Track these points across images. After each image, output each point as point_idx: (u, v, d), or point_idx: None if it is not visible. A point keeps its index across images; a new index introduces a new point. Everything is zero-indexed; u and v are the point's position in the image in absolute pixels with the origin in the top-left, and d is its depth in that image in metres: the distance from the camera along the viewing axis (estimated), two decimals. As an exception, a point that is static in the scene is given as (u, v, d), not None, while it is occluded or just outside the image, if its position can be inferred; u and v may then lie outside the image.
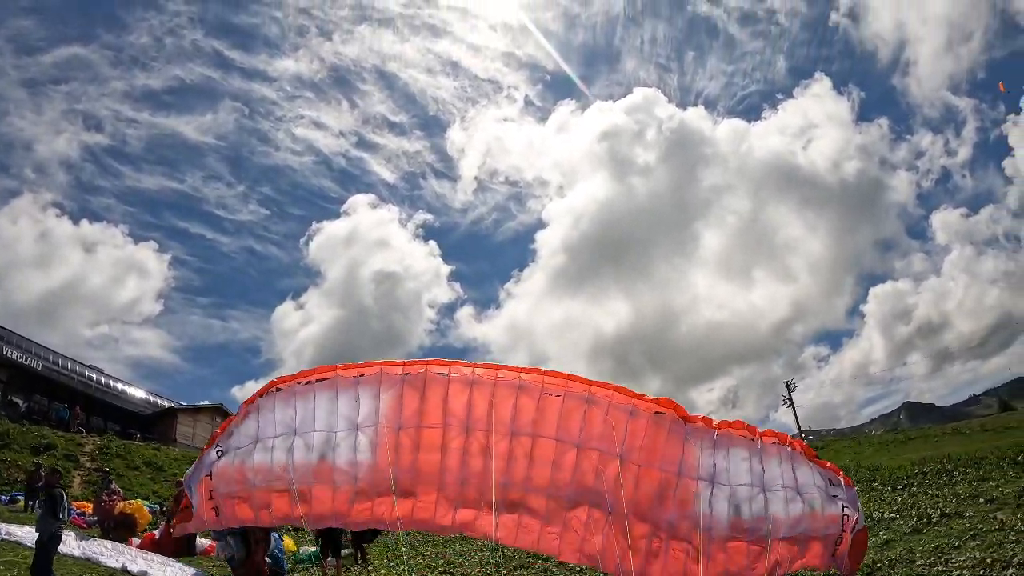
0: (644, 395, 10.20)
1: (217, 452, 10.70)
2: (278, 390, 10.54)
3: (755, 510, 10.33)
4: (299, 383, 10.49)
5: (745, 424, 10.46)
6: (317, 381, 10.46)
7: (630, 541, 10.26)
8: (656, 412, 10.06)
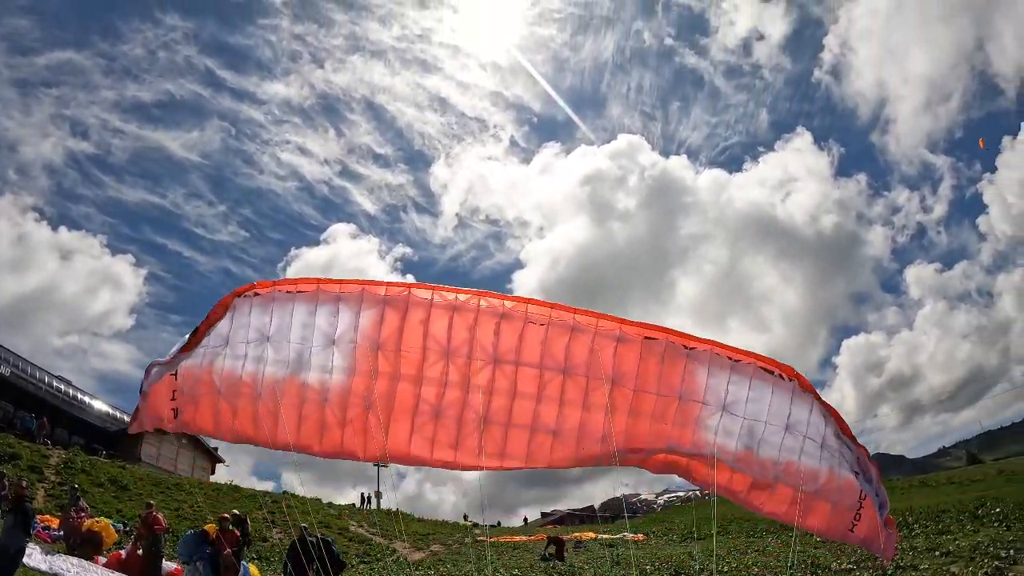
0: (634, 321, 9.84)
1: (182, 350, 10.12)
2: (256, 294, 10.06)
3: (769, 450, 9.87)
4: (279, 290, 10.03)
5: (776, 362, 9.93)
6: (298, 292, 10.02)
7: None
8: (647, 337, 9.70)
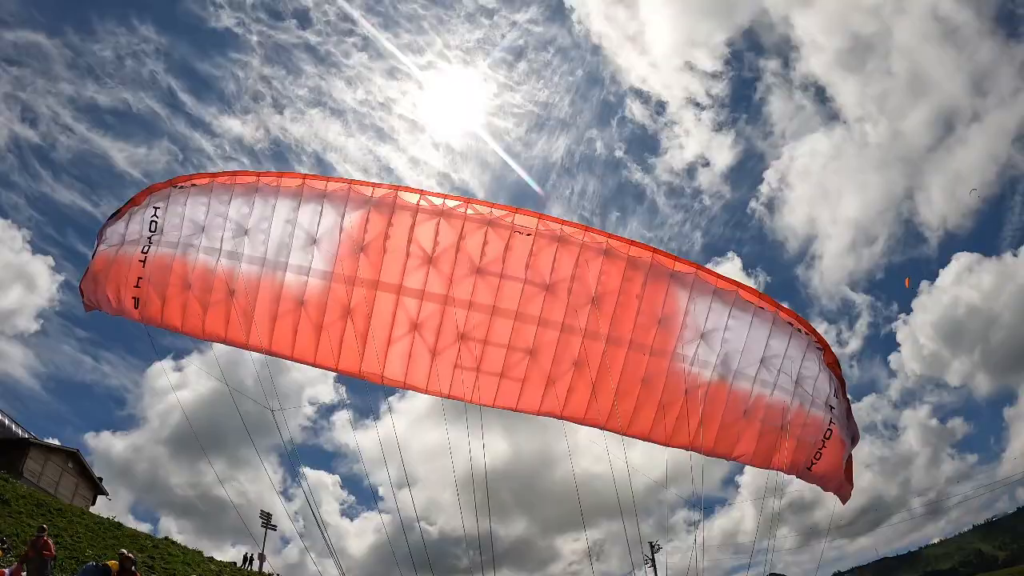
0: (621, 236, 9.76)
1: (153, 223, 9.78)
2: (234, 182, 9.78)
3: (743, 382, 9.81)
4: (262, 181, 9.76)
5: (761, 294, 9.89)
6: (282, 185, 9.77)
7: (596, 393, 9.63)
8: (631, 256, 9.60)
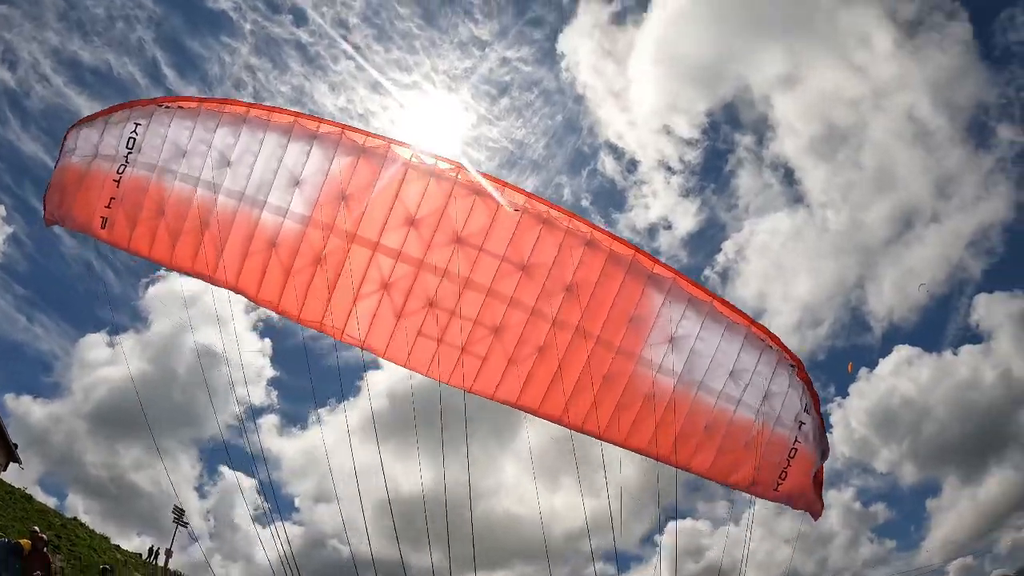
0: (606, 230, 9.64)
1: (131, 140, 9.44)
2: (223, 110, 9.43)
3: (707, 395, 9.70)
4: (252, 113, 9.41)
5: (736, 308, 9.71)
6: (272, 120, 9.42)
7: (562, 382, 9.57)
8: (613, 251, 9.49)
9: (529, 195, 9.59)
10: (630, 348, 9.61)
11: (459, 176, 9.55)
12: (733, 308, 9.71)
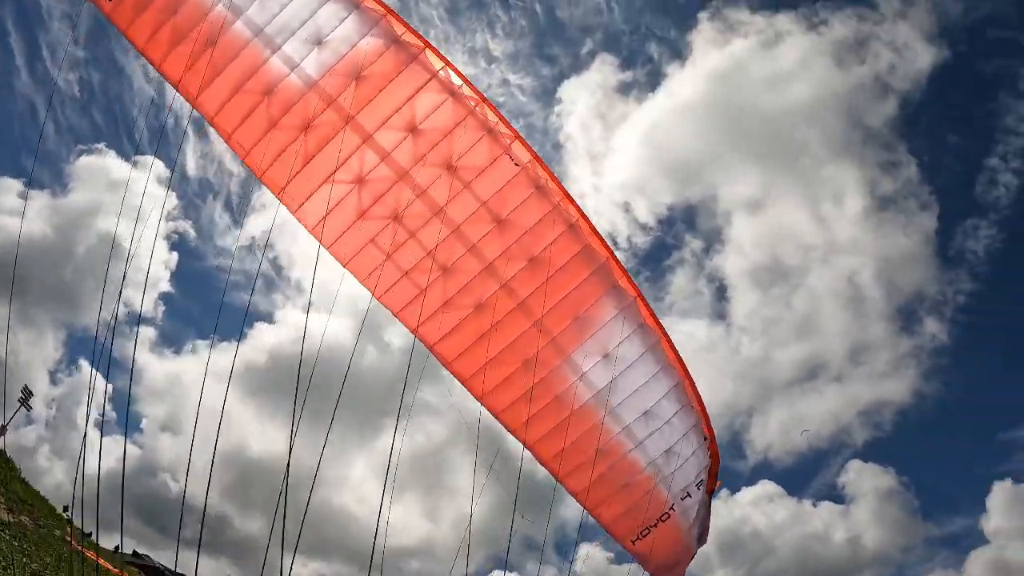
0: (593, 225, 9.31)
1: None
2: None
3: (613, 423, 9.39)
4: None
5: (680, 358, 9.46)
6: None
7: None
8: (589, 245, 9.17)
9: (538, 159, 9.26)
10: (564, 344, 9.30)
11: (477, 109, 9.18)
12: (677, 355, 9.44)
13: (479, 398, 9.37)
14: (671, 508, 9.52)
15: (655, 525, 9.52)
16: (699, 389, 9.53)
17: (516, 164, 9.14)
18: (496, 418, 9.45)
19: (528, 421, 9.12)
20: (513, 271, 9.15)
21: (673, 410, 9.43)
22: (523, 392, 9.23)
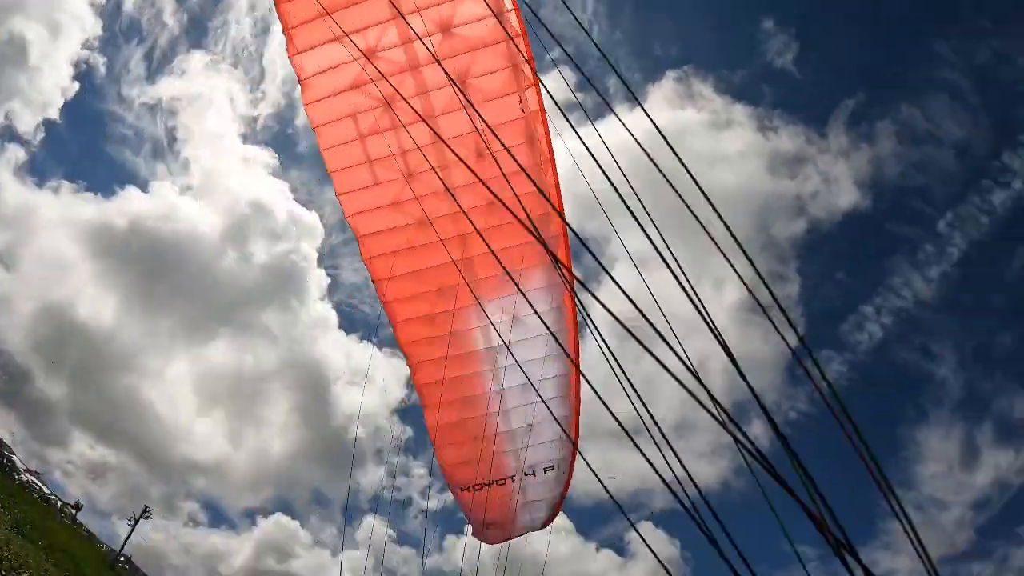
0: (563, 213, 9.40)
1: None
2: None
3: (494, 393, 9.56)
4: None
5: (577, 350, 9.79)
6: None
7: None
8: (550, 212, 9.25)
9: (543, 120, 9.26)
10: (484, 292, 9.40)
11: (516, 40, 9.04)
12: (577, 349, 9.79)
13: (384, 303, 9.35)
14: (510, 477, 9.92)
15: (489, 485, 9.88)
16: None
17: (522, 109, 9.12)
18: (392, 326, 9.47)
19: (420, 342, 9.21)
20: (472, 204, 9.12)
21: (551, 395, 9.78)
22: (426, 314, 9.31)
